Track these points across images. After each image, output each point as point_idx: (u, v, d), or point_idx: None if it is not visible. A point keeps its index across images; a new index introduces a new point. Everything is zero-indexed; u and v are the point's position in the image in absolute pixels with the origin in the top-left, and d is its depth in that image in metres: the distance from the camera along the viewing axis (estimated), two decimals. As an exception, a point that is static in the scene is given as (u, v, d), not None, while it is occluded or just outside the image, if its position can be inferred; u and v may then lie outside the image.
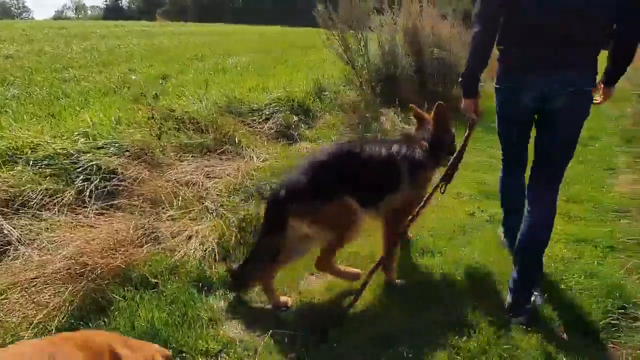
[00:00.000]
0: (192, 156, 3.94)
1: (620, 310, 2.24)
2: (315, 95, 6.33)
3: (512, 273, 2.30)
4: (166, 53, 11.22)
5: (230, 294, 2.47)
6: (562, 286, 2.48)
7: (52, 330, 2.02)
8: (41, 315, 2.06)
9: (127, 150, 3.56)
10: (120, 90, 6.12)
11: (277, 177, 3.87)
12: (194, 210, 3.18)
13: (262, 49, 13.64)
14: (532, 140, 2.36)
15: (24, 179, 2.91)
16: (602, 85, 2.33)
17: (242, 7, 58.46)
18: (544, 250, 2.29)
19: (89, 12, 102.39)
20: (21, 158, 3.14)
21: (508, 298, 2.29)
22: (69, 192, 2.95)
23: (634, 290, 2.38)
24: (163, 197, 3.22)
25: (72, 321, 2.09)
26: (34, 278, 2.26)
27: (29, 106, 4.81)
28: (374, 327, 2.19)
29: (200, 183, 3.56)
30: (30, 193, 2.83)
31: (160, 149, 3.72)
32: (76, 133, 3.59)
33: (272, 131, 5.06)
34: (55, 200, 2.87)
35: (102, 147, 3.50)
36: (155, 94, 4.28)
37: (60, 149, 3.28)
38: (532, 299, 2.28)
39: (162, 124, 3.97)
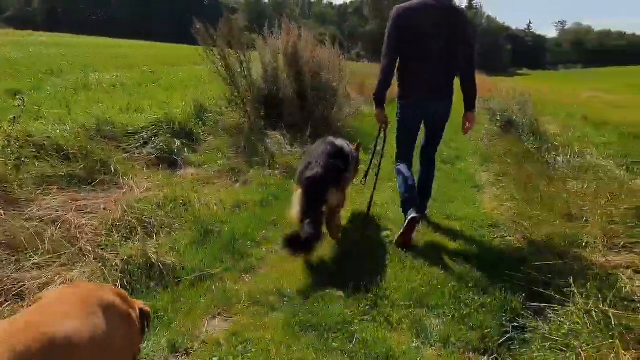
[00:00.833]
0: (58, 188, 3.40)
1: (513, 324, 2.40)
2: (196, 117, 6.01)
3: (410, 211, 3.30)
4: (14, 66, 9.67)
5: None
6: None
7: None
8: None
9: (-29, 187, 2.92)
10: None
11: (163, 209, 3.53)
12: (65, 254, 2.74)
13: (126, 64, 12.62)
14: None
15: None
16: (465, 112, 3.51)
17: (100, 18, 53.91)
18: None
19: None
20: None
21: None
22: None
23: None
24: (24, 241, 2.69)
25: None
26: None
27: None
28: None
29: (71, 220, 3.07)
30: None
31: (18, 183, 3.12)
32: None
33: (152, 157, 4.65)
34: None
35: None
36: (14, 117, 3.57)
37: None
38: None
39: (19, 152, 3.34)
